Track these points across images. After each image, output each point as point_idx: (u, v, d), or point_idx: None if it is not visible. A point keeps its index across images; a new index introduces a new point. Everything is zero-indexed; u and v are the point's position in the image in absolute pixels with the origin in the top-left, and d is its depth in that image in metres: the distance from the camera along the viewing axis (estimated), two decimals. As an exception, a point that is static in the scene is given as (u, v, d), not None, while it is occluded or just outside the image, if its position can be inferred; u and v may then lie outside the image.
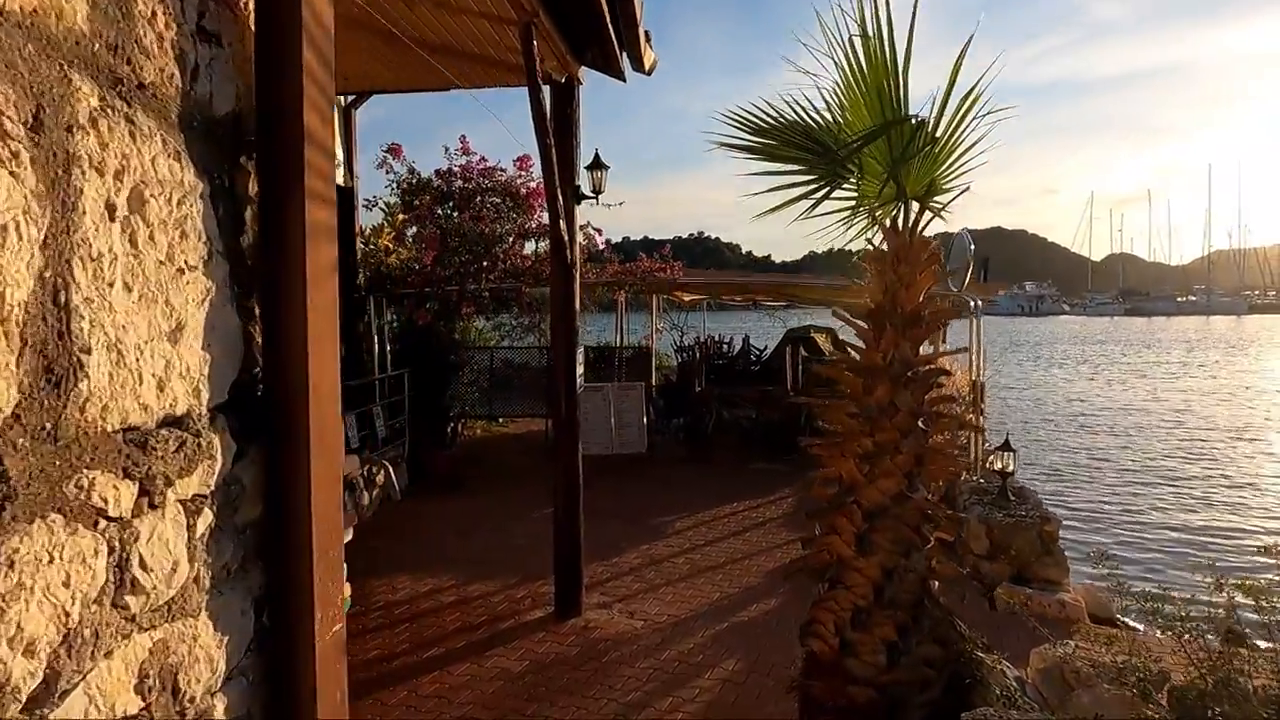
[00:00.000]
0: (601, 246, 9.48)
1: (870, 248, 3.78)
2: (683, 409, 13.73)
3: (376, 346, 9.37)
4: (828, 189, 3.84)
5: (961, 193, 3.62)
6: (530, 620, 6.04)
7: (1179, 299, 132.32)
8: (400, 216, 9.92)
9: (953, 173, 3.54)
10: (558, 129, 5.64)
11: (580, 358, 6.07)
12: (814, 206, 3.87)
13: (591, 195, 5.99)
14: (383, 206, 9.59)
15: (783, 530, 8.44)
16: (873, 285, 3.66)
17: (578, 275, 5.86)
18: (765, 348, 17.24)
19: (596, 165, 6.19)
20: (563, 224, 5.54)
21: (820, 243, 4.02)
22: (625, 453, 12.54)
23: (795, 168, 3.91)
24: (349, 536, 5.70)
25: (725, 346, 16.21)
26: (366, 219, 9.64)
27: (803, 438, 4.33)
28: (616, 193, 9.21)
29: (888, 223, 3.72)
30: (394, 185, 8.86)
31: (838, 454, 3.75)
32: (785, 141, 3.90)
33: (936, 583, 3.62)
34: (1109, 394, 27.40)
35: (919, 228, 3.61)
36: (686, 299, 18.94)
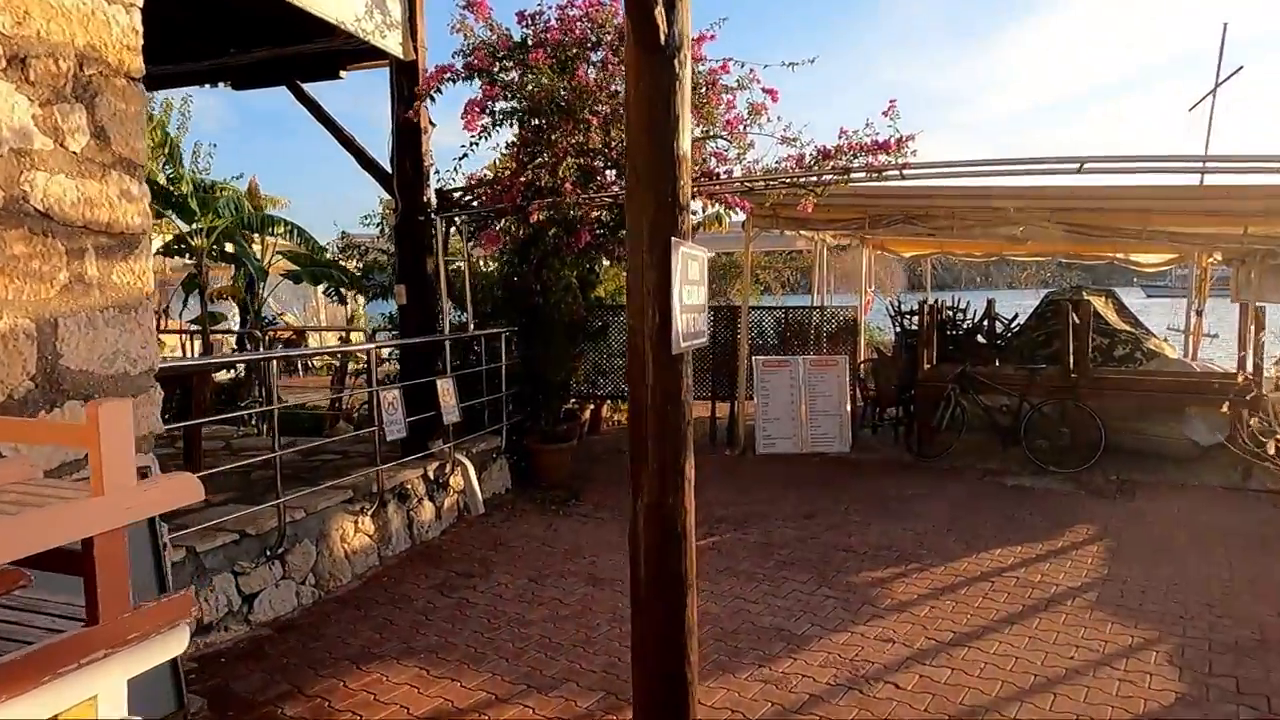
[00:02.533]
0: (773, 121, 5.71)
1: None
2: (902, 394, 9.92)
3: (445, 291, 6.53)
4: None
5: None
6: (579, 839, 2.84)
7: None
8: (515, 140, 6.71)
9: None
10: None
11: (697, 272, 2.74)
12: None
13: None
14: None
15: (1105, 618, 4.60)
16: None
17: (685, 78, 2.53)
18: (1015, 316, 13.00)
19: None
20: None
21: None
22: (820, 452, 9.02)
23: None
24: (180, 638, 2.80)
25: (960, 313, 12.11)
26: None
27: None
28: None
29: None
30: (465, 53, 5.83)
31: None
32: None
33: None
34: None
35: None
36: (906, 253, 14.91)
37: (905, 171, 4.99)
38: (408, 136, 6.26)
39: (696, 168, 5.56)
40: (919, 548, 5.87)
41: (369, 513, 5.51)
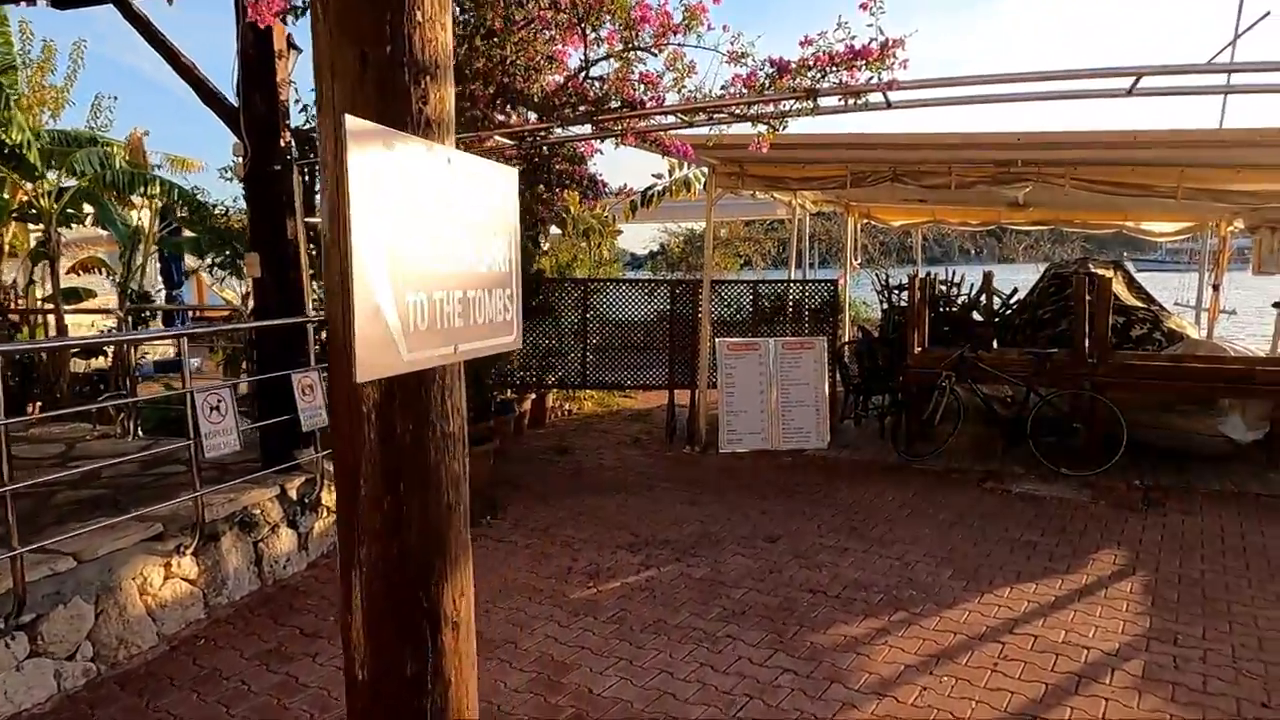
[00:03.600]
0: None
1: None
2: (889, 381, 8.67)
3: (306, 260, 5.13)
4: None
5: None
6: None
7: None
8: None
9: None
10: None
11: (482, 208, 1.40)
12: None
13: None
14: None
15: (1160, 707, 3.34)
16: None
17: None
18: (1013, 291, 11.77)
19: None
20: None
21: None
22: (794, 450, 7.76)
23: None
24: None
25: (954, 288, 10.86)
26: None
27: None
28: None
29: None
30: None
31: None
32: None
33: None
34: None
35: None
36: (895, 222, 13.58)
37: (893, 95, 3.65)
38: (257, 61, 4.86)
39: (617, 96, 4.21)
40: (907, 586, 4.62)
41: (189, 551, 4.19)
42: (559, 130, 4.68)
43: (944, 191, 7.49)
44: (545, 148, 5.38)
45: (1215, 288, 11.98)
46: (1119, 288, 10.98)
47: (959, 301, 10.25)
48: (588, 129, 4.48)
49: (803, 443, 7.87)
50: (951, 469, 7.11)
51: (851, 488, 6.66)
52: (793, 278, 10.99)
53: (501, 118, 4.64)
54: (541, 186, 5.64)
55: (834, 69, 3.61)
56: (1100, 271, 10.09)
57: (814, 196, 10.75)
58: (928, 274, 11.52)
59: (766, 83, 3.75)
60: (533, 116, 4.57)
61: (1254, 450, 7.07)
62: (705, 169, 8.13)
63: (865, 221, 13.73)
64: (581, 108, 4.12)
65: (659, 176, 10.69)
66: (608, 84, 4.11)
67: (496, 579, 4.76)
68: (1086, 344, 7.17)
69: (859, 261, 14.62)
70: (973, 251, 20.11)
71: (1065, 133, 5.78)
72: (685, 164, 9.51)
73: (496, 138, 4.74)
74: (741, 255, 19.99)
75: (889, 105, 3.77)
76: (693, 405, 8.17)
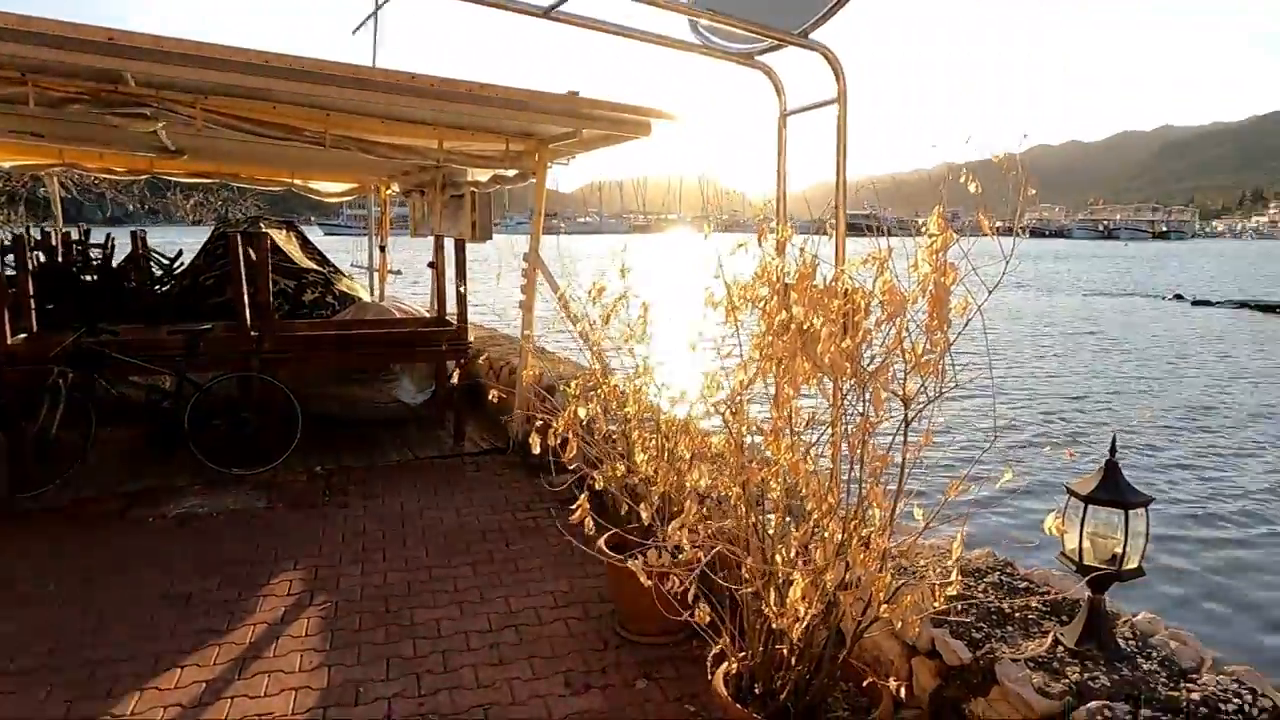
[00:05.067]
0: None
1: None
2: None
3: None
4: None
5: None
6: None
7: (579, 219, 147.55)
8: None
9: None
10: None
11: None
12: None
13: None
14: None
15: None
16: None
17: None
18: (178, 254, 10.16)
19: None
20: None
21: None
22: None
23: None
24: None
25: (99, 249, 8.61)
26: None
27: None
28: None
29: None
30: None
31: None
32: None
33: None
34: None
35: None
36: (6, 164, 10.11)
37: None
38: None
39: None
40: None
41: None
42: None
43: (55, 123, 5.26)
44: None
45: (382, 249, 12.43)
46: (292, 249, 10.31)
47: (93, 265, 8.04)
48: None
49: None
50: (84, 501, 5.17)
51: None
52: None
53: None
54: None
55: None
56: (271, 231, 9.20)
57: None
58: (55, 233, 8.90)
59: None
60: None
61: (423, 409, 7.13)
62: None
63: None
64: None
65: None
66: None
67: None
68: (249, 314, 6.04)
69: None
70: (132, 208, 17.36)
71: (186, 41, 4.35)
72: None
73: None
74: None
75: None
76: None
